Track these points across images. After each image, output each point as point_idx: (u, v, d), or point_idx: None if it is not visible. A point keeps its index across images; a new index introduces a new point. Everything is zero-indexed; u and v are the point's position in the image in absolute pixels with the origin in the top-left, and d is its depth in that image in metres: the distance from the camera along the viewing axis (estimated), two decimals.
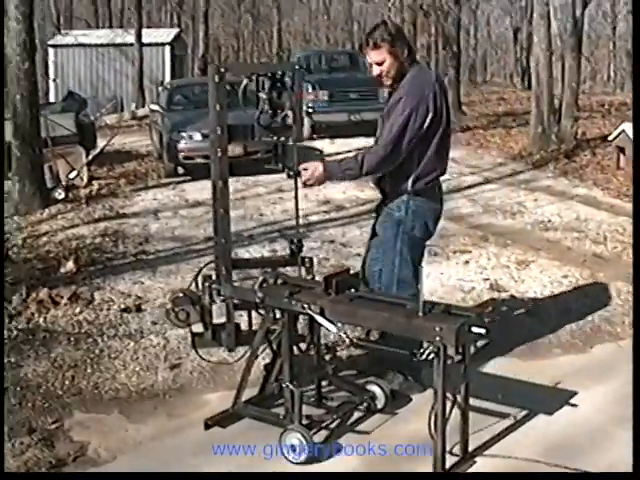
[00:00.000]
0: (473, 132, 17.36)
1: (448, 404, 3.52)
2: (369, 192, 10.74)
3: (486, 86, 38.70)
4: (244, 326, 4.42)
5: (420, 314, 3.45)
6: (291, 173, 4.13)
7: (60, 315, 5.94)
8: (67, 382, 4.78)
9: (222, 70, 3.87)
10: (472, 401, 4.13)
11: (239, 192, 11.25)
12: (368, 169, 4.22)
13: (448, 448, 3.66)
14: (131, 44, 27.63)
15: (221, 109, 3.90)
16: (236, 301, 4.25)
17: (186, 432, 4.13)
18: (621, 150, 11.27)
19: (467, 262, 7.16)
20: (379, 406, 4.20)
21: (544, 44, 13.03)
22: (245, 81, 3.97)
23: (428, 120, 4.16)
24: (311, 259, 4.36)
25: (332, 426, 4.03)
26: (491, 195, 10.41)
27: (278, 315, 3.91)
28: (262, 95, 4.02)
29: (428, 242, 7.67)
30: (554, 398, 4.37)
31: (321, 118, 16.76)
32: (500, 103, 25.70)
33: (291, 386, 3.90)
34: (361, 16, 53.78)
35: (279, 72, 4.05)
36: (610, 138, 11.74)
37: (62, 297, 6.27)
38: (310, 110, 16.52)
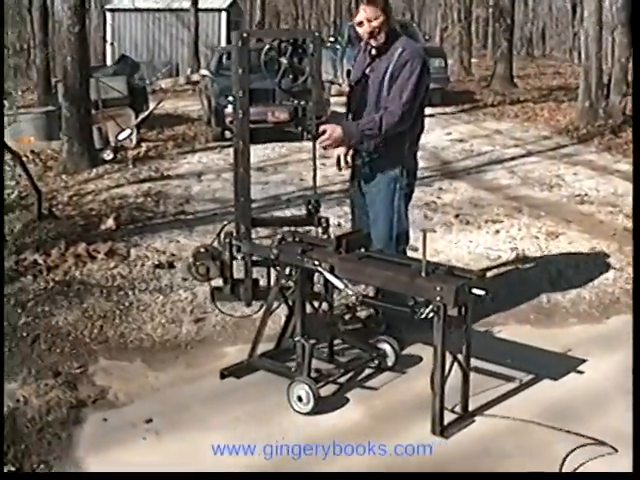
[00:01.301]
0: (522, 105, 17.24)
1: (448, 363, 3.65)
2: None
3: (544, 60, 38.14)
4: (264, 282, 4.60)
5: (423, 274, 3.57)
6: (309, 136, 4.26)
7: (96, 269, 6.17)
8: (95, 331, 5.01)
9: (245, 35, 4.01)
10: (481, 364, 4.31)
11: (283, 157, 11.44)
12: (387, 128, 4.36)
13: (450, 407, 3.82)
14: (187, 9, 27.82)
15: (243, 73, 4.04)
16: (256, 258, 4.42)
17: (202, 381, 4.33)
18: None
19: (497, 232, 7.23)
20: (389, 364, 4.35)
21: (594, 17, 12.90)
22: (267, 46, 4.11)
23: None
24: (327, 219, 4.51)
25: (340, 380, 4.19)
26: (531, 167, 10.40)
27: (291, 272, 4.07)
28: (283, 60, 4.15)
29: (461, 210, 7.94)
30: (562, 365, 4.46)
31: None
32: (555, 77, 25.40)
33: (302, 340, 4.07)
34: None
35: (300, 38, 4.17)
36: None
37: (99, 252, 6.51)
38: None
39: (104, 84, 14.50)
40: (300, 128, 4.28)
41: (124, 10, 29.27)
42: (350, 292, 3.78)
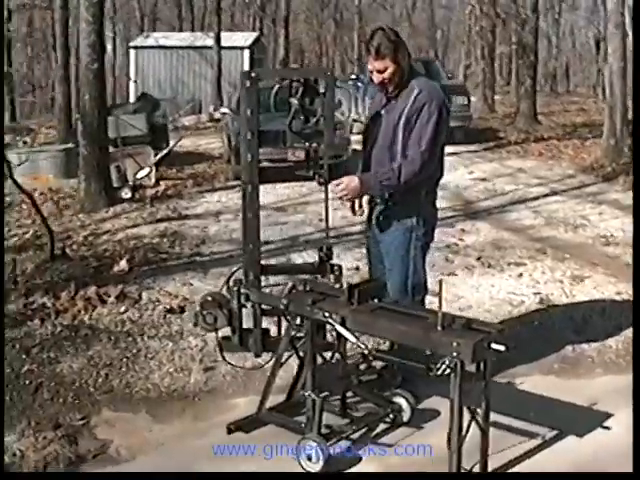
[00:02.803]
0: (547, 142, 17.04)
1: (466, 421, 3.44)
2: None
3: (567, 96, 37.95)
4: (274, 332, 4.41)
5: (439, 328, 3.37)
6: (322, 180, 4.09)
7: (105, 313, 6.02)
8: (100, 380, 4.84)
9: (253, 76, 3.86)
10: (502, 418, 4.09)
11: (303, 197, 11.29)
12: (406, 179, 4.17)
13: (468, 466, 3.59)
14: (210, 47, 27.99)
15: (252, 114, 3.89)
16: (265, 307, 4.23)
17: (209, 435, 4.13)
18: None
19: (520, 275, 7.01)
20: (405, 419, 4.13)
21: (618, 54, 12.74)
22: (276, 87, 3.96)
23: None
24: (340, 267, 4.33)
25: (354, 437, 3.98)
26: (555, 207, 10.18)
27: (301, 322, 3.88)
28: (294, 101, 4.00)
29: (483, 253, 7.73)
30: (587, 419, 4.23)
31: None
32: (579, 114, 25.19)
33: (312, 395, 3.87)
34: (444, 23, 53.54)
35: (312, 78, 4.02)
36: None
37: (109, 295, 6.36)
38: None
39: (124, 122, 14.51)
40: (312, 172, 4.12)
41: (148, 47, 29.49)
42: (362, 346, 3.58)
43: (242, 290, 4.14)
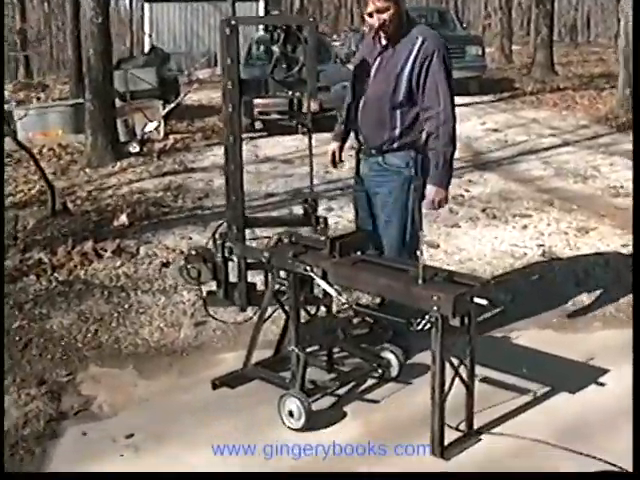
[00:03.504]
0: (562, 93, 16.73)
1: (449, 377, 3.35)
2: None
3: (587, 46, 37.23)
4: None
5: (420, 281, 3.26)
6: (304, 130, 3.97)
7: (101, 268, 5.96)
8: (89, 335, 4.78)
9: (233, 23, 3.73)
10: (494, 374, 4.00)
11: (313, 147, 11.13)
12: (453, 132, 4.05)
13: (454, 424, 3.52)
14: None
15: (232, 62, 3.76)
16: (251, 260, 4.15)
17: (194, 391, 4.07)
18: None
19: (525, 227, 6.87)
20: (393, 374, 4.05)
21: (634, 3, 12.37)
22: (255, 34, 3.82)
23: None
24: (325, 219, 4.21)
25: (339, 392, 3.91)
26: (566, 158, 9.97)
27: (284, 275, 3.79)
28: (275, 48, 3.86)
29: (489, 204, 7.59)
30: (582, 375, 4.12)
31: None
32: (598, 64, 24.70)
33: (296, 350, 3.79)
34: None
35: (294, 25, 3.87)
36: None
37: (106, 250, 6.29)
38: None
39: (133, 75, 14.37)
40: (295, 121, 3.99)
41: (162, 1, 29.18)
42: (342, 300, 3.49)
43: (226, 243, 4.05)
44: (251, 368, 4.06)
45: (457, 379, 3.42)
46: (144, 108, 12.67)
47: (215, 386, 4.02)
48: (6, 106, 16.83)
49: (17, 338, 4.76)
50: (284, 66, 3.88)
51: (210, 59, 28.27)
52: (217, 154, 11.27)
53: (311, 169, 4.22)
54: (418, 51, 4.00)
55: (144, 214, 7.67)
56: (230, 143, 3.91)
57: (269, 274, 3.99)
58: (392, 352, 4.04)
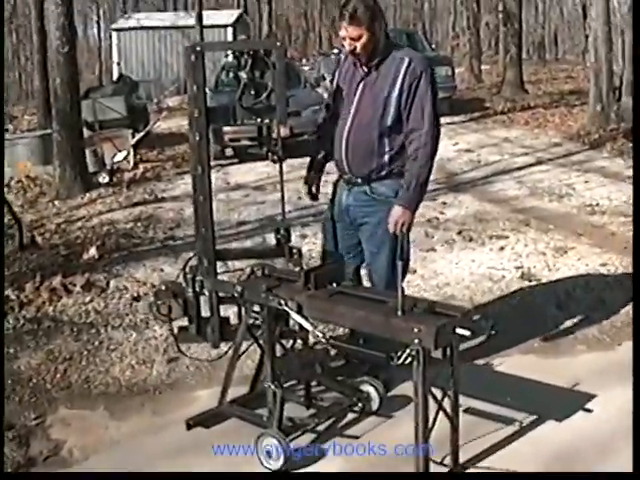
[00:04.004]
0: (533, 111, 16.78)
1: (433, 410, 3.22)
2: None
3: (556, 64, 37.52)
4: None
5: (399, 313, 3.14)
6: (275, 158, 3.84)
7: (70, 304, 5.79)
8: (58, 375, 4.61)
9: (198, 49, 3.61)
10: (476, 404, 3.88)
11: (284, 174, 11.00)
12: (433, 154, 3.92)
13: (439, 458, 3.39)
14: (193, 26, 27.50)
15: (198, 90, 3.64)
16: (222, 294, 4.00)
17: (167, 432, 3.91)
18: None
19: (502, 248, 6.79)
20: (373, 408, 3.91)
21: (602, 19, 12.43)
22: (224, 60, 3.70)
23: None
24: (299, 249, 4.06)
25: (319, 429, 3.76)
26: (540, 177, 9.93)
27: (258, 310, 3.65)
28: (243, 74, 3.74)
29: (464, 226, 7.50)
30: (568, 402, 4.01)
31: None
32: (567, 81, 24.86)
33: (272, 386, 3.65)
34: None
35: (261, 49, 3.76)
36: None
37: (75, 285, 6.12)
38: None
39: (102, 105, 14.21)
40: (265, 149, 3.87)
41: (130, 29, 29.08)
42: (319, 334, 3.35)
43: (197, 277, 3.90)
44: (226, 406, 3.91)
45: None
46: (113, 137, 12.51)
47: (189, 426, 3.87)
48: None
49: None
50: (252, 92, 3.76)
51: (179, 86, 28.09)
52: (188, 182, 10.93)
53: (282, 198, 4.10)
54: (405, 73, 3.87)
55: (114, 246, 7.51)
56: (198, 173, 3.78)
57: (242, 308, 3.85)
58: (372, 385, 3.91)
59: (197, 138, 3.71)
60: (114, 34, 29.53)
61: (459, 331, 3.08)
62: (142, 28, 28.59)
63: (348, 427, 3.84)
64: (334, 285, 3.54)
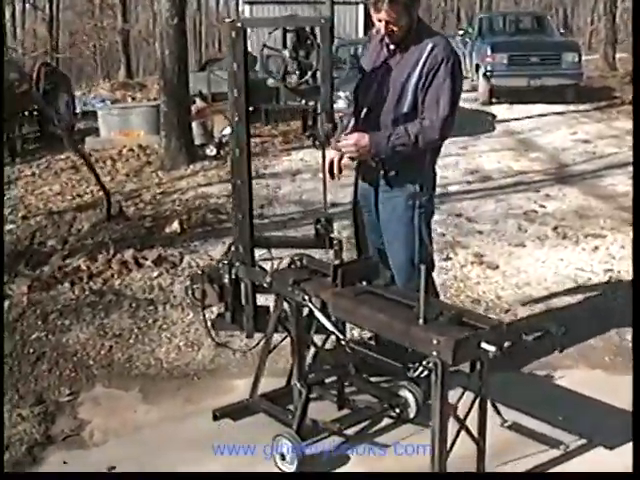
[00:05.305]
0: None
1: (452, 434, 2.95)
2: (525, 162, 9.98)
3: None
4: None
5: (420, 321, 2.87)
6: (317, 143, 3.61)
7: (138, 278, 5.75)
8: (103, 352, 4.55)
9: (239, 25, 3.41)
10: (524, 420, 3.57)
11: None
12: (425, 146, 3.68)
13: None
14: (323, 2, 27.38)
15: (239, 69, 3.45)
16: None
17: (192, 420, 3.78)
18: None
19: (596, 248, 6.35)
20: (411, 415, 3.66)
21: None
22: (266, 37, 3.50)
23: None
24: (340, 241, 3.82)
25: (347, 432, 3.54)
26: None
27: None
28: (285, 53, 3.53)
29: (562, 222, 7.07)
30: (627, 427, 3.63)
31: (499, 82, 15.75)
32: None
33: (298, 385, 3.45)
34: None
35: (307, 27, 3.53)
36: None
37: (147, 259, 6.08)
38: (488, 73, 15.62)
39: (217, 77, 14.26)
40: (308, 133, 3.64)
41: (262, 3, 29.17)
42: (340, 336, 3.13)
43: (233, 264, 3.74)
44: (257, 399, 3.74)
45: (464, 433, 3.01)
46: (225, 111, 12.51)
47: (216, 417, 3.72)
48: (95, 104, 17.09)
49: (31, 351, 4.57)
50: (297, 72, 3.54)
51: None
52: (292, 159, 10.99)
53: (324, 187, 3.86)
54: (426, 59, 3.62)
55: (200, 221, 7.45)
56: (236, 156, 3.59)
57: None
58: (410, 391, 3.65)
59: (236, 119, 3.52)
60: (246, 7, 29.71)
61: (484, 346, 2.78)
62: (274, 2, 28.61)
63: (379, 434, 3.61)
64: (364, 283, 3.29)
